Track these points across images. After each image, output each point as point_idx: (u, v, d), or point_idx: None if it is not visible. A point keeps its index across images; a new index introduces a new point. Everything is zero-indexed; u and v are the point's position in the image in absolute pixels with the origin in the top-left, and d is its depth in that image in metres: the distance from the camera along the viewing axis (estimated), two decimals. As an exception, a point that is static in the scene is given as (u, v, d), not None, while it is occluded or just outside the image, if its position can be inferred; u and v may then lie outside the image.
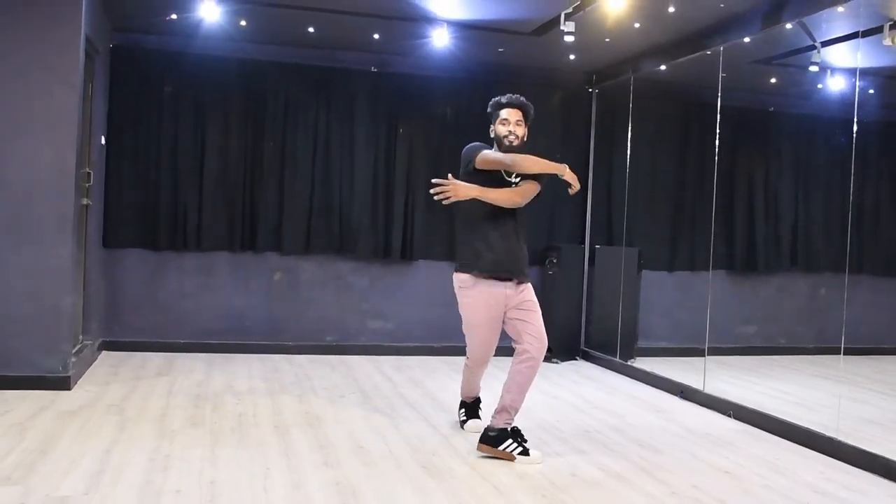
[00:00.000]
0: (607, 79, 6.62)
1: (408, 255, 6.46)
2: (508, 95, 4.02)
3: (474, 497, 3.19)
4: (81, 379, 4.95)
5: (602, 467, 3.67)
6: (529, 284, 3.99)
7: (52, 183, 4.65)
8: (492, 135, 4.04)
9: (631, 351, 6.40)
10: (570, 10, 4.95)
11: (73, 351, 4.88)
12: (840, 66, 5.66)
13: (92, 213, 5.48)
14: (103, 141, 5.76)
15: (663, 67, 5.92)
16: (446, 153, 6.45)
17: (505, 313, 3.91)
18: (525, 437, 3.80)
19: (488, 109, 4.05)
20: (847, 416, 4.28)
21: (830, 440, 4.07)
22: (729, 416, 4.80)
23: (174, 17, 5.47)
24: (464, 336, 6.65)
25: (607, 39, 5.63)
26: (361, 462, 3.57)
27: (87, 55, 5.09)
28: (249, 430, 4.01)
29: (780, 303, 7.17)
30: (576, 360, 6.67)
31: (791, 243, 7.10)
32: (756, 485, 3.53)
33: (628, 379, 5.91)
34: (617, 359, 6.27)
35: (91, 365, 5.36)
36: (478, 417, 4.27)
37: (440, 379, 5.55)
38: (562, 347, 6.57)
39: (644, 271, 6.70)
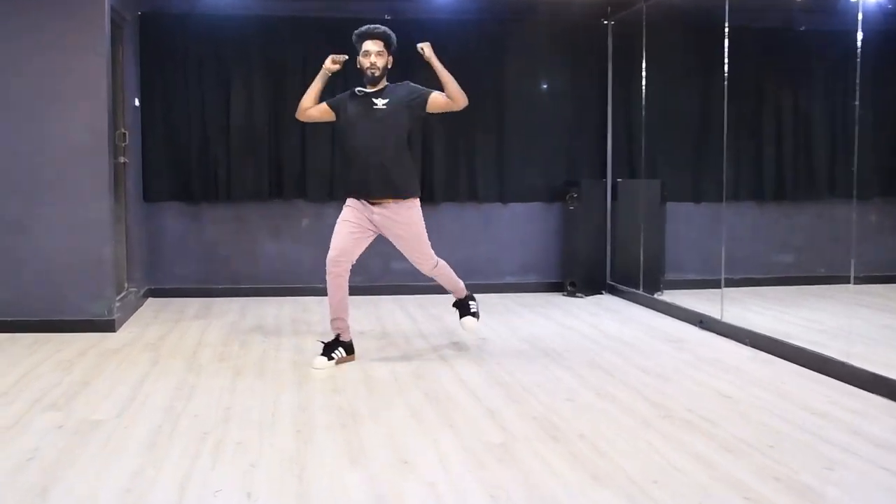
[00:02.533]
0: (621, 10, 6.62)
1: (428, 197, 6.67)
2: (368, 26, 4.28)
3: (466, 419, 3.41)
4: (127, 322, 5.40)
5: (600, 392, 3.83)
6: (402, 204, 4.32)
7: (87, 144, 5.02)
8: (357, 65, 4.32)
9: (657, 283, 6.47)
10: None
11: (118, 297, 5.32)
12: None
13: (130, 171, 5.87)
14: (137, 103, 6.12)
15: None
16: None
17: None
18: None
19: (353, 40, 4.31)
20: (869, 341, 4.27)
21: (842, 364, 4.02)
22: (745, 344, 4.82)
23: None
24: (485, 274, 6.93)
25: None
26: (367, 389, 3.88)
27: (115, 23, 5.41)
28: (269, 364, 4.37)
29: (815, 232, 7.10)
30: (601, 293, 6.83)
31: (827, 170, 6.98)
32: (753, 407, 3.58)
33: (651, 311, 6.03)
34: (641, 292, 6.39)
35: (136, 310, 5.81)
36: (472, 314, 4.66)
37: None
38: (586, 281, 6.72)
39: (669, 203, 6.75)
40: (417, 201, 4.43)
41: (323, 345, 4.35)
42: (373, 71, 4.25)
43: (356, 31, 4.31)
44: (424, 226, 4.44)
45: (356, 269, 6.53)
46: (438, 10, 6.42)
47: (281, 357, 4.53)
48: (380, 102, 4.28)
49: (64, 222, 5.03)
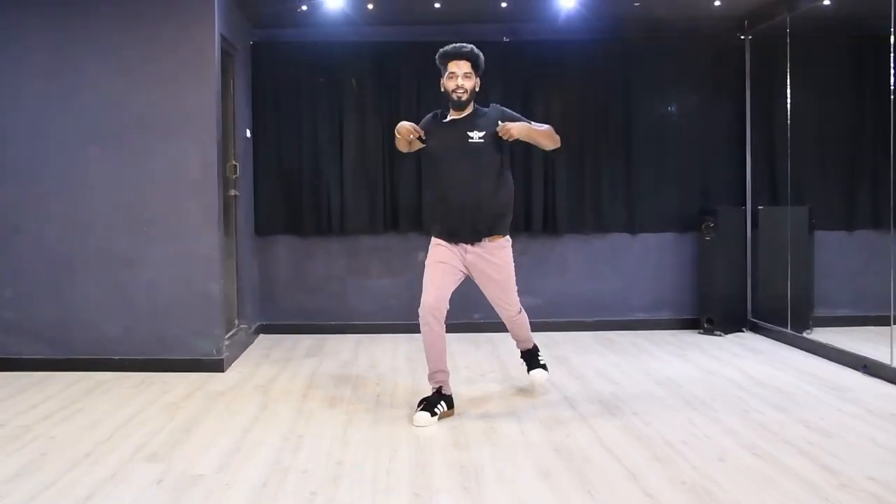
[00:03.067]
0: (760, 22, 6.02)
1: (551, 228, 6.24)
2: (455, 45, 3.84)
3: (605, 482, 2.97)
4: (236, 361, 5.19)
5: (757, 451, 3.30)
6: (497, 242, 3.91)
7: (196, 176, 4.88)
8: (441, 88, 3.88)
9: (806, 321, 5.79)
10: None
11: (227, 335, 5.12)
12: None
13: (241, 204, 5.73)
14: (248, 134, 6.00)
15: (826, 1, 5.29)
16: (585, 119, 6.17)
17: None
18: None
19: (436, 61, 3.87)
20: None
21: None
22: None
23: (304, 8, 5.58)
24: (613, 310, 6.35)
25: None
26: (490, 443, 3.45)
27: (226, 53, 5.30)
28: (384, 410, 4.01)
29: None
30: (742, 331, 6.18)
31: None
32: (951, 475, 2.97)
33: (801, 352, 5.37)
34: (788, 330, 5.72)
35: (246, 347, 5.61)
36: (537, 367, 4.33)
37: (588, 356, 5.31)
38: (725, 318, 6.10)
39: (817, 232, 6.07)
40: (510, 240, 3.98)
41: (424, 400, 3.86)
42: (459, 94, 3.80)
43: (440, 51, 3.88)
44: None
45: (475, 307, 6.21)
46: (559, 31, 6.03)
47: (396, 402, 4.16)
48: (475, 135, 3.81)
49: (172, 257, 4.89)
